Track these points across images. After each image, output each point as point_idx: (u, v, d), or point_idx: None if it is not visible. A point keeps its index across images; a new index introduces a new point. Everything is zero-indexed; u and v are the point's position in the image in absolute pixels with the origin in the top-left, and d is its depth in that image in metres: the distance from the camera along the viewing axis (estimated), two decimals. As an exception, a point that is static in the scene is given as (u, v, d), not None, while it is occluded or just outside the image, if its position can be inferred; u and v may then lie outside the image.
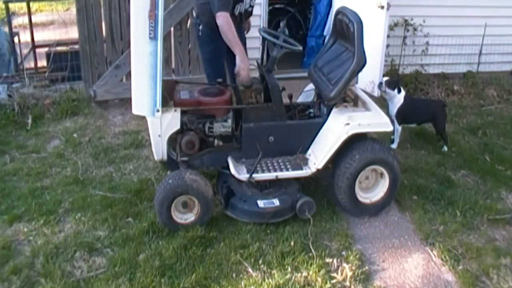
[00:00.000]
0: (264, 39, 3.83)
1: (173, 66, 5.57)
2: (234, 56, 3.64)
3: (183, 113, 3.53)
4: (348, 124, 3.51)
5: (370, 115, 3.68)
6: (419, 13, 6.01)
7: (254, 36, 4.63)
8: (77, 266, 3.17)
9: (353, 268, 3.21)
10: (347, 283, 3.12)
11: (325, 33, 6.41)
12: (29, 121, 4.97)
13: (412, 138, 4.97)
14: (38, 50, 6.74)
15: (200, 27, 4.07)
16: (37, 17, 8.52)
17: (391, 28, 5.86)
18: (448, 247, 3.45)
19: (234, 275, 3.15)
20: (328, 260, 3.28)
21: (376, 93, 5.22)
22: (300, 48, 3.73)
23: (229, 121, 3.69)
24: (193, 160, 3.65)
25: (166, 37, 5.29)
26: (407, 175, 4.24)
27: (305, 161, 3.68)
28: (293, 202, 3.57)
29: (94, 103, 5.33)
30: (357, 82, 5.38)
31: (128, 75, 5.11)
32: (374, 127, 3.65)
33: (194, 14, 4.19)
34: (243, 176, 3.52)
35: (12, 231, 3.48)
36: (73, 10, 5.98)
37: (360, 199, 3.68)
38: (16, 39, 6.60)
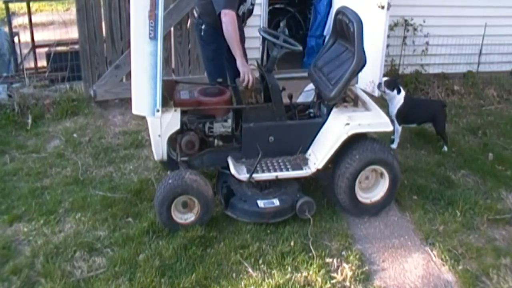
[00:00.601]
0: (264, 39, 3.83)
1: (173, 66, 5.57)
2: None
3: (183, 113, 3.53)
4: (348, 124, 3.51)
5: (370, 115, 3.68)
6: (419, 13, 6.01)
7: (254, 36, 4.63)
8: (77, 266, 3.17)
9: (353, 268, 3.21)
10: (347, 283, 3.12)
11: (325, 33, 6.41)
12: (29, 121, 4.96)
13: (412, 138, 4.97)
14: (38, 50, 6.74)
15: (203, 27, 4.07)
16: (37, 17, 8.52)
17: (391, 28, 5.86)
18: (448, 247, 3.45)
19: (234, 275, 3.15)
20: (328, 260, 3.28)
21: (376, 93, 5.22)
22: (300, 48, 3.74)
23: (229, 121, 3.69)
24: (193, 160, 3.65)
25: (166, 37, 5.29)
26: (407, 175, 4.24)
27: (305, 161, 3.68)
28: (293, 202, 3.57)
29: (94, 103, 5.32)
30: (357, 82, 5.38)
31: (128, 75, 5.11)
32: (374, 127, 3.65)
33: (196, 14, 4.19)
34: (243, 176, 3.52)
35: (12, 231, 3.48)
36: (73, 10, 5.99)
37: (360, 199, 3.68)
38: (16, 39, 6.60)
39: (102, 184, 4.01)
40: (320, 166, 3.58)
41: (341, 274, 3.17)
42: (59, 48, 6.31)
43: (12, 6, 7.66)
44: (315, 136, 3.71)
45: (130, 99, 3.37)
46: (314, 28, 6.62)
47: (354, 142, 3.57)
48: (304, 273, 3.15)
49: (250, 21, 4.33)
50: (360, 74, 4.19)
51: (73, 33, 6.17)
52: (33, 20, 6.90)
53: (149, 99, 3.27)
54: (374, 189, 3.75)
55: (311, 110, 4.02)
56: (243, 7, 3.96)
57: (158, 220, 3.46)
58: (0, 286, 3.01)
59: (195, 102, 3.61)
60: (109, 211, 3.66)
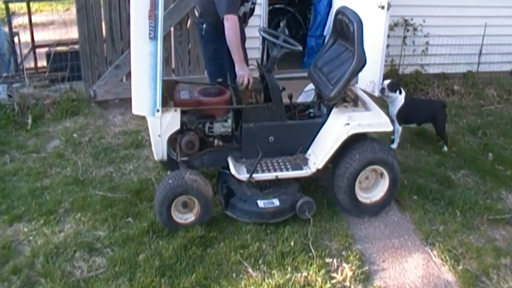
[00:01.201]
0: (264, 39, 3.83)
1: (173, 66, 5.57)
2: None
3: (183, 113, 3.53)
4: (348, 124, 3.51)
5: (370, 115, 3.68)
6: (419, 13, 6.01)
7: (254, 36, 4.63)
8: (77, 266, 3.17)
9: (353, 268, 3.21)
10: (347, 283, 3.12)
11: (325, 33, 6.41)
12: (29, 121, 4.96)
13: (412, 138, 4.97)
14: (38, 50, 6.74)
15: (204, 26, 4.08)
16: (37, 17, 8.52)
17: (391, 28, 5.86)
18: (448, 247, 3.45)
19: (234, 275, 3.15)
20: (328, 260, 3.28)
21: (376, 93, 5.22)
22: (300, 48, 3.74)
23: (229, 121, 3.69)
24: (193, 160, 3.65)
25: (166, 37, 5.29)
26: (407, 175, 4.24)
27: (305, 161, 3.68)
28: (293, 202, 3.57)
29: (94, 103, 5.32)
30: (357, 82, 5.38)
31: (128, 75, 5.11)
32: (374, 127, 3.65)
33: (197, 13, 4.20)
34: (243, 176, 3.52)
35: (12, 231, 3.48)
36: (73, 10, 5.98)
37: (360, 199, 3.68)
38: (16, 39, 6.60)
39: (102, 184, 4.01)
40: (320, 166, 3.58)
41: (341, 274, 3.17)
42: (59, 48, 6.31)
43: (12, 6, 7.65)
44: (315, 136, 3.71)
45: (130, 99, 3.37)
46: (314, 28, 6.62)
47: (354, 142, 3.57)
48: (304, 273, 3.15)
49: (250, 21, 4.34)
50: (360, 74, 4.19)
51: (73, 33, 6.16)
52: (33, 20, 6.90)
53: (149, 99, 3.26)
54: (374, 189, 3.75)
55: (311, 110, 4.02)
56: (244, 7, 3.97)
57: (158, 220, 3.46)
58: (0, 286, 3.01)
59: (195, 102, 3.61)
60: (109, 211, 3.66)
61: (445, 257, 3.37)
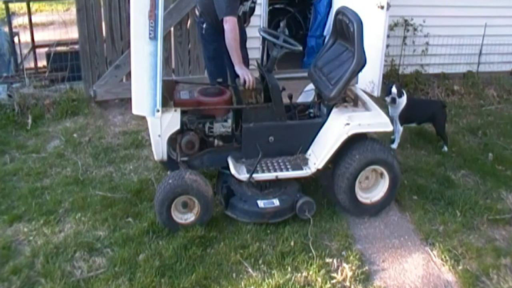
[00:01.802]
0: (264, 39, 3.83)
1: (173, 66, 5.57)
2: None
3: (183, 113, 3.53)
4: (348, 124, 3.51)
5: (370, 115, 3.68)
6: (419, 13, 6.00)
7: (254, 36, 4.63)
8: (77, 266, 3.17)
9: (353, 268, 3.21)
10: (347, 283, 3.12)
11: (325, 33, 6.41)
12: (29, 121, 4.96)
13: (412, 138, 4.97)
14: (38, 50, 6.73)
15: (204, 26, 4.08)
16: (37, 17, 8.52)
17: (391, 28, 5.86)
18: (448, 247, 3.45)
19: (234, 275, 3.15)
20: (328, 260, 3.28)
21: (376, 93, 5.22)
22: (300, 48, 3.74)
23: (229, 121, 3.69)
24: (193, 160, 3.65)
25: (166, 37, 5.28)
26: (407, 175, 4.24)
27: (305, 161, 3.68)
28: (293, 202, 3.57)
29: (94, 103, 5.32)
30: (357, 82, 5.38)
31: (128, 75, 5.11)
32: (374, 127, 3.65)
33: (197, 12, 4.21)
34: (243, 176, 3.52)
35: (12, 231, 3.48)
36: (73, 10, 5.98)
37: (360, 199, 3.68)
38: (16, 39, 6.59)
39: (102, 184, 4.01)
40: (320, 166, 3.58)
41: (341, 274, 3.17)
42: (59, 48, 6.31)
43: (12, 6, 7.65)
44: (315, 136, 3.71)
45: (130, 99, 3.37)
46: (314, 28, 6.62)
47: (354, 142, 3.57)
48: (304, 273, 3.15)
49: (250, 21, 4.34)
50: (360, 74, 4.19)
51: (73, 33, 6.16)
52: (33, 20, 6.89)
53: (149, 99, 3.27)
54: (374, 189, 3.75)
55: (311, 110, 4.02)
56: (244, 7, 3.97)
57: (158, 220, 3.46)
58: (0, 286, 3.01)
59: (195, 102, 3.61)
60: (109, 211, 3.66)
61: (445, 257, 3.37)
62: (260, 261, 3.25)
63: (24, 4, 7.39)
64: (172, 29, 5.36)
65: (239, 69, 3.69)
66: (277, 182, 3.64)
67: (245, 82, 3.61)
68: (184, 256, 3.22)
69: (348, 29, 3.60)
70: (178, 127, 3.51)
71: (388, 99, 4.53)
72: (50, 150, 4.54)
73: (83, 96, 5.37)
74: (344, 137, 3.51)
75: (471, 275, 3.23)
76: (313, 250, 3.33)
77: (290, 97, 4.00)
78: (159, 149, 3.56)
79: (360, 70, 3.60)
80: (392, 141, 4.71)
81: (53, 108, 5.17)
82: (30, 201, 3.76)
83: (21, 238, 3.42)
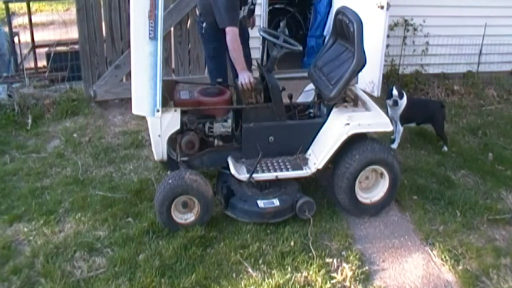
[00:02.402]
0: (264, 39, 3.83)
1: (173, 66, 5.57)
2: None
3: (183, 113, 3.53)
4: (348, 124, 3.52)
5: (370, 115, 3.68)
6: (419, 13, 6.00)
7: (254, 36, 4.62)
8: (77, 266, 3.17)
9: (353, 268, 3.21)
10: (347, 283, 3.12)
11: (325, 33, 6.41)
12: (29, 121, 4.96)
13: (412, 138, 4.97)
14: (38, 50, 6.73)
15: (204, 25, 4.09)
16: (37, 17, 8.51)
17: (391, 28, 5.86)
18: (448, 247, 3.45)
19: (234, 275, 3.15)
20: (328, 260, 3.28)
21: (376, 93, 5.22)
22: (300, 48, 3.74)
23: (229, 121, 3.69)
24: (193, 160, 3.65)
25: (166, 37, 5.28)
26: (407, 175, 4.24)
27: (305, 161, 3.68)
28: (293, 202, 3.57)
29: (94, 103, 5.32)
30: (357, 82, 5.37)
31: (128, 75, 5.11)
32: (374, 127, 3.65)
33: (197, 11, 4.21)
34: (243, 176, 3.52)
35: (12, 231, 3.48)
36: (73, 10, 5.98)
37: (360, 199, 3.68)
38: (16, 39, 6.60)
39: (102, 184, 4.01)
40: (320, 166, 3.58)
41: (341, 274, 3.17)
42: (59, 48, 6.31)
43: (12, 6, 7.65)
44: (315, 136, 3.71)
45: (130, 99, 3.37)
46: (314, 28, 6.62)
47: (354, 142, 3.57)
48: (304, 273, 3.15)
49: (255, 23, 4.36)
50: (360, 74, 4.19)
51: (73, 33, 6.16)
52: (33, 20, 6.89)
53: (149, 99, 3.27)
54: (374, 189, 3.75)
55: (311, 110, 4.02)
56: (243, 11, 3.97)
57: (158, 220, 3.46)
58: (0, 286, 3.01)
59: (195, 102, 3.61)
60: (109, 211, 3.66)
61: (445, 257, 3.37)
62: (260, 261, 3.25)
63: (24, 4, 7.39)
64: (172, 29, 5.36)
65: (241, 75, 3.64)
66: (277, 182, 3.64)
67: (242, 85, 3.59)
68: (184, 256, 3.22)
69: (348, 29, 3.60)
70: (178, 127, 3.51)
71: (390, 102, 4.53)
72: (50, 150, 4.55)
73: (83, 96, 5.37)
74: (344, 137, 3.51)
75: (471, 275, 3.23)
76: (313, 250, 3.33)
77: (290, 97, 4.00)
78: (159, 149, 3.56)
79: (360, 70, 3.60)
80: (392, 141, 4.71)
81: (53, 108, 5.17)
82: (30, 201, 3.76)
83: (21, 238, 3.42)
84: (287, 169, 3.61)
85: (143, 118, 3.90)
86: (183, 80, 5.08)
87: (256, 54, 4.69)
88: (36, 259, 3.21)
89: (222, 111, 3.66)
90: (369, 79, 5.44)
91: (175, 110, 3.48)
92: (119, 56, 5.32)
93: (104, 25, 5.25)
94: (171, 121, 3.47)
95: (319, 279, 3.11)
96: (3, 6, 6.93)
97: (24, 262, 3.18)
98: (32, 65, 6.67)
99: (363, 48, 3.49)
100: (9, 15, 6.67)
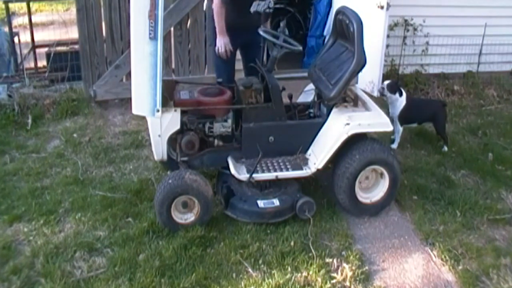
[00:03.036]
0: (264, 39, 3.83)
1: (173, 66, 5.57)
2: (250, 50, 4.14)
3: (183, 113, 3.53)
4: (348, 124, 3.51)
5: (370, 115, 3.68)
6: (419, 13, 6.00)
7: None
8: (77, 266, 3.17)
9: (353, 268, 3.21)
10: (347, 283, 3.12)
11: (325, 33, 6.41)
12: (29, 121, 4.97)
13: (412, 138, 4.97)
14: (38, 50, 6.73)
15: (212, 25, 4.22)
16: (37, 17, 8.52)
17: (391, 28, 5.86)
18: (448, 247, 3.45)
19: (234, 275, 3.15)
20: (328, 260, 3.28)
21: (376, 93, 5.22)
22: (300, 48, 3.74)
23: (229, 121, 3.69)
24: (193, 160, 3.65)
25: (166, 37, 5.28)
26: (407, 175, 4.24)
27: (305, 161, 3.68)
28: (293, 202, 3.57)
29: (94, 103, 5.32)
30: (357, 82, 5.38)
31: (128, 75, 5.11)
32: (374, 127, 3.65)
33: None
34: (243, 176, 3.52)
35: (12, 231, 3.48)
36: (73, 10, 5.98)
37: (360, 199, 3.68)
38: (16, 39, 6.60)
39: (102, 184, 4.01)
40: (320, 166, 3.58)
41: (341, 274, 3.17)
42: (59, 48, 6.31)
43: (12, 6, 7.65)
44: (315, 136, 3.71)
45: (130, 99, 3.37)
46: (314, 28, 6.62)
47: (354, 142, 3.56)
48: (304, 273, 3.15)
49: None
50: (360, 74, 4.20)
51: (73, 33, 6.17)
52: (33, 20, 6.89)
53: (149, 99, 3.27)
54: (374, 189, 3.75)
55: (311, 110, 4.02)
56: (257, 5, 3.96)
57: (158, 220, 3.45)
58: (0, 286, 3.01)
59: (195, 102, 3.61)
60: (109, 211, 3.66)
61: (445, 257, 3.37)
62: (260, 261, 3.25)
63: (24, 4, 7.39)
64: (172, 29, 5.36)
65: (218, 40, 4.06)
66: (277, 182, 3.64)
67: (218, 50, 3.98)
68: (184, 256, 3.22)
69: (348, 29, 3.60)
70: (178, 127, 3.51)
71: (385, 94, 4.58)
72: (50, 150, 4.55)
73: (83, 96, 5.37)
74: (344, 137, 3.51)
75: (471, 275, 3.23)
76: (313, 250, 3.33)
77: (290, 97, 4.00)
78: (159, 149, 3.56)
79: (360, 70, 3.60)
80: (392, 141, 4.71)
81: (53, 108, 5.17)
82: (30, 201, 3.76)
83: (21, 238, 3.42)
84: (287, 169, 3.61)
85: (143, 118, 3.90)
86: (183, 80, 5.09)
87: (256, 54, 4.68)
88: (36, 259, 3.21)
89: (222, 111, 3.66)
90: (369, 79, 5.45)
91: (175, 110, 3.48)
92: (119, 56, 5.32)
93: (104, 25, 5.25)
94: (171, 121, 3.47)
95: (319, 279, 3.11)
96: (3, 6, 6.93)
97: (24, 262, 3.18)
98: (32, 65, 6.68)
99: (363, 48, 3.49)
100: (9, 15, 6.67)
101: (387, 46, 5.73)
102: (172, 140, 3.61)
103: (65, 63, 5.72)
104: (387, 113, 4.28)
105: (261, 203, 3.54)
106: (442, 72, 6.30)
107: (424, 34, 6.13)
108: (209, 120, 3.66)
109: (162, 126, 3.47)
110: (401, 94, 4.57)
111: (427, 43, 6.18)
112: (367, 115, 3.69)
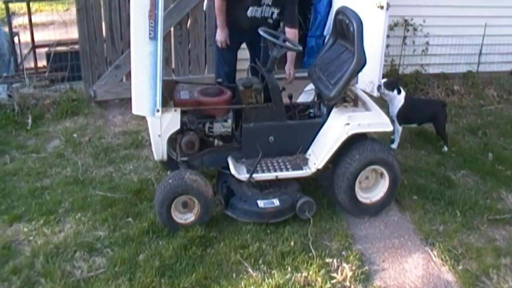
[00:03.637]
0: (264, 39, 3.83)
1: (173, 66, 5.57)
2: (256, 48, 4.12)
3: (183, 113, 3.53)
4: (348, 124, 3.52)
5: (370, 115, 3.68)
6: (419, 13, 6.01)
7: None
8: (77, 266, 3.17)
9: (353, 268, 3.21)
10: (347, 283, 3.12)
11: (325, 33, 6.41)
12: (29, 121, 4.97)
13: (412, 138, 4.97)
14: (38, 50, 6.74)
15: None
16: (37, 17, 8.52)
17: (391, 28, 5.86)
18: (448, 247, 3.45)
19: (234, 275, 3.15)
20: (328, 260, 3.28)
21: (376, 93, 5.22)
22: (300, 48, 3.75)
23: (229, 121, 3.69)
24: (193, 160, 3.65)
25: (166, 37, 5.28)
26: (407, 175, 4.24)
27: (305, 161, 3.68)
28: (293, 202, 3.57)
29: (94, 103, 5.32)
30: (357, 82, 5.37)
31: (128, 75, 5.11)
32: (374, 127, 3.65)
33: None
34: (243, 176, 3.52)
35: (12, 231, 3.48)
36: (73, 10, 5.98)
37: (360, 199, 3.68)
38: (16, 39, 6.60)
39: (102, 184, 4.01)
40: (320, 166, 3.58)
41: (341, 274, 3.17)
42: (59, 48, 6.31)
43: (12, 6, 7.64)
44: (315, 136, 3.71)
45: (130, 99, 3.37)
46: (314, 28, 6.61)
47: (354, 142, 3.57)
48: (304, 273, 3.15)
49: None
50: (360, 74, 4.18)
51: (73, 33, 6.16)
52: (33, 20, 6.89)
53: (149, 99, 3.27)
54: (374, 189, 3.75)
55: (311, 110, 4.02)
56: (254, 10, 3.99)
57: (158, 220, 3.45)
58: (0, 286, 3.01)
59: (195, 102, 3.61)
60: (109, 211, 3.66)
61: (445, 257, 3.37)
62: (260, 261, 3.25)
63: (24, 4, 7.39)
64: (172, 29, 5.36)
65: (218, 34, 4.19)
66: (277, 182, 3.64)
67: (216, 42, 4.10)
68: (184, 256, 3.22)
69: (348, 29, 3.60)
70: (178, 127, 3.51)
71: (383, 92, 4.60)
72: (50, 150, 4.55)
73: (83, 96, 5.37)
74: (344, 137, 3.51)
75: (471, 275, 3.23)
76: (313, 250, 3.33)
77: (290, 97, 4.01)
78: (159, 149, 3.56)
79: (360, 70, 3.60)
80: (392, 141, 4.71)
81: (53, 108, 5.17)
82: (30, 201, 3.76)
83: (21, 238, 3.42)
84: (287, 169, 3.61)
85: (143, 118, 3.90)
86: (183, 80, 5.09)
87: (256, 54, 4.68)
88: (36, 259, 3.21)
89: (222, 111, 3.66)
90: (369, 79, 5.44)
91: (175, 110, 3.48)
92: (119, 56, 5.32)
93: (104, 25, 5.25)
94: (171, 121, 3.47)
95: (319, 279, 3.11)
96: (3, 6, 6.94)
97: (24, 262, 3.18)
98: (32, 65, 6.68)
99: (363, 48, 3.49)
100: (9, 15, 6.67)
101: (387, 46, 5.73)
102: (172, 140, 3.61)
103: (65, 63, 5.72)
104: (387, 113, 4.28)
105: (261, 203, 3.54)
106: (442, 72, 6.31)
107: (424, 34, 6.13)
108: (209, 120, 3.66)
109: (162, 126, 3.47)
110: (399, 92, 4.57)
111: (427, 43, 6.18)
112: (367, 115, 3.69)
